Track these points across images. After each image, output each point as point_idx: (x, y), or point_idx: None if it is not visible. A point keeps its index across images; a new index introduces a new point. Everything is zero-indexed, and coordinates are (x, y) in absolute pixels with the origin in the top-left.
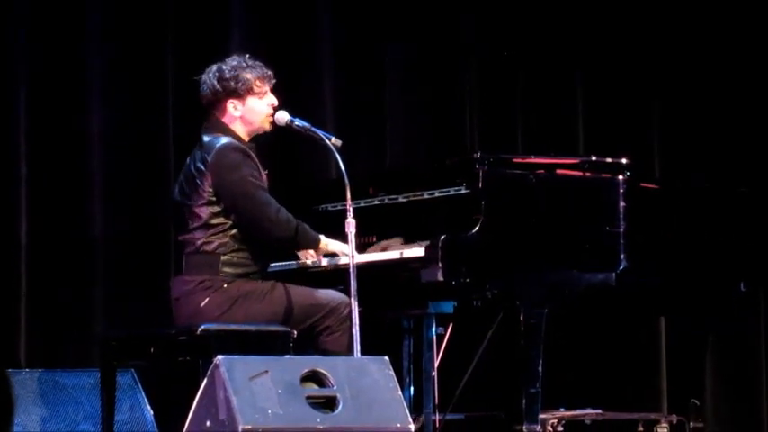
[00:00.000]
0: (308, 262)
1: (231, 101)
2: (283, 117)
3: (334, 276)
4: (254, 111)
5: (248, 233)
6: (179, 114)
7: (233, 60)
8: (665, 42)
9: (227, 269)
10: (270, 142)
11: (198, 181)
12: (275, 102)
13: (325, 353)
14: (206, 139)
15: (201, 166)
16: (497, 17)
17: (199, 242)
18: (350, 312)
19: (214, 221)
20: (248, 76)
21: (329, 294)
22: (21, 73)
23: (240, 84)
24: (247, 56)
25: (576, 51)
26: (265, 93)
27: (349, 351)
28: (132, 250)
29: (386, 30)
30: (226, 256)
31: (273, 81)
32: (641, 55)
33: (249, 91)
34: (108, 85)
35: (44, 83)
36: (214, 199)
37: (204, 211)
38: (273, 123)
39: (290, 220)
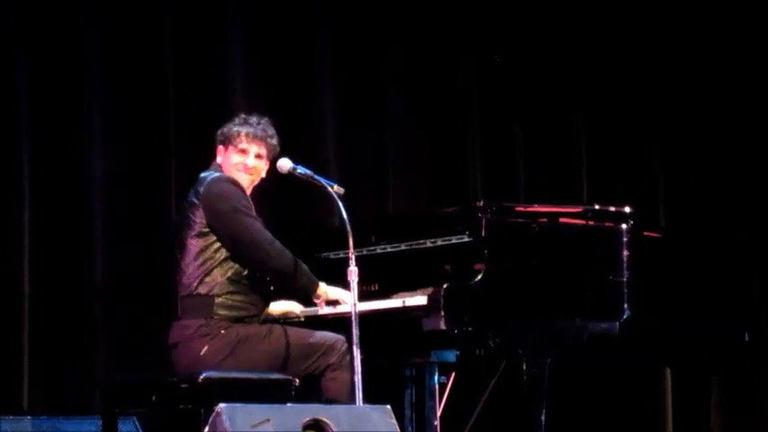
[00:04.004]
0: (320, 311)
1: (219, 147)
2: (286, 165)
3: (336, 324)
4: (229, 162)
5: (243, 264)
6: (180, 161)
7: (244, 114)
8: (666, 86)
9: (221, 312)
10: (272, 190)
11: (190, 213)
12: (250, 164)
13: (328, 398)
14: (202, 175)
15: (194, 199)
16: (498, 61)
17: (194, 284)
18: (347, 349)
19: (204, 256)
20: (239, 129)
21: (325, 335)
22: (24, 117)
23: (228, 131)
24: (264, 119)
25: (577, 96)
26: (243, 150)
27: (350, 392)
28: (134, 296)
29: (388, 75)
30: (220, 299)
31: (271, 148)
32: (643, 99)
33: (229, 141)
34: (110, 132)
35: (47, 129)
36: (205, 230)
37: (194, 243)
38: (255, 176)
39: (284, 252)
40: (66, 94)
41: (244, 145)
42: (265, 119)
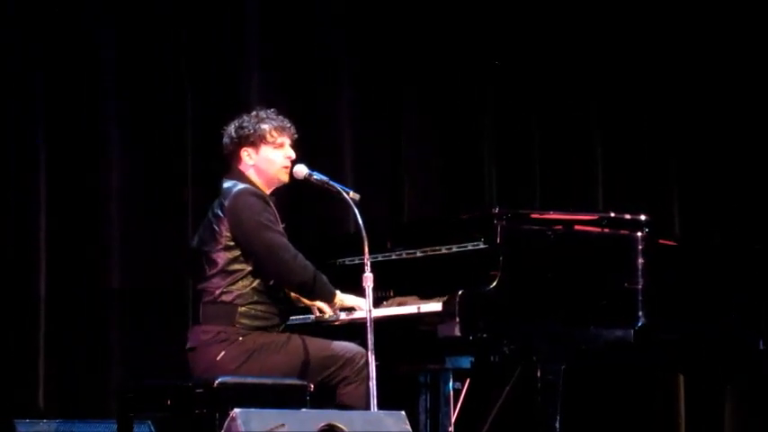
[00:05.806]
0: (325, 316)
1: (245, 149)
2: (302, 170)
3: (351, 330)
4: (268, 160)
5: (266, 278)
6: (197, 168)
7: (254, 111)
8: (682, 96)
9: (243, 320)
10: (288, 195)
11: (215, 226)
12: (292, 155)
13: (343, 407)
14: (225, 185)
15: (219, 212)
16: (514, 70)
17: (217, 292)
18: (366, 363)
19: (231, 268)
20: (264, 125)
21: (345, 346)
22: (40, 131)
23: (254, 131)
24: (272, 110)
25: (594, 101)
26: (281, 144)
27: (366, 404)
28: (149, 301)
29: (403, 83)
30: (243, 308)
31: (295, 136)
32: (660, 108)
33: (262, 139)
34: (126, 139)
35: (63, 139)
36: (232, 244)
37: (221, 257)
38: (292, 176)
39: (307, 266)
40: (82, 98)
41: (280, 139)
42: (272, 109)
